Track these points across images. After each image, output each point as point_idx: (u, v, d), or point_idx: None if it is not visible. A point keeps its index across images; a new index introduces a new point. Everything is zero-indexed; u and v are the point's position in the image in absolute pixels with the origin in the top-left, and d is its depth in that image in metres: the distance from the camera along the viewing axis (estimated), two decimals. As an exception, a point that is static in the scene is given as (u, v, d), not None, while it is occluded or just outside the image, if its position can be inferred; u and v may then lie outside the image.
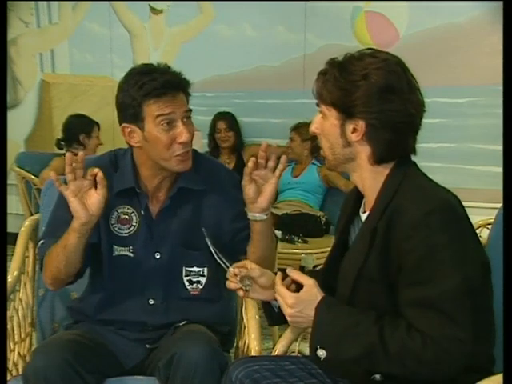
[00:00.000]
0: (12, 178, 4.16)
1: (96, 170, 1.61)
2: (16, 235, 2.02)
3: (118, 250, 1.80)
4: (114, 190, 1.78)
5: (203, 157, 1.93)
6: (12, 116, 4.00)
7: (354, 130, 1.40)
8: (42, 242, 1.81)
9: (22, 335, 1.97)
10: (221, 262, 1.59)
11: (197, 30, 4.81)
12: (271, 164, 1.68)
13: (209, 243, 1.62)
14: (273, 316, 1.61)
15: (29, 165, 4.20)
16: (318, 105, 1.46)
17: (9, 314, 1.88)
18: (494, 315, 1.38)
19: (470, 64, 3.96)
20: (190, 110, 1.75)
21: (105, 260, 1.80)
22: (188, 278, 1.82)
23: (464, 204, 1.39)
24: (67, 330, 1.88)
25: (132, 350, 1.79)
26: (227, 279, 1.57)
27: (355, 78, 1.37)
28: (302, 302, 1.41)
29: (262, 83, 4.62)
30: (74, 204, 1.62)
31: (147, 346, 1.80)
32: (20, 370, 1.87)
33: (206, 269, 1.83)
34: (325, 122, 1.45)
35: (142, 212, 1.80)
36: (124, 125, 1.74)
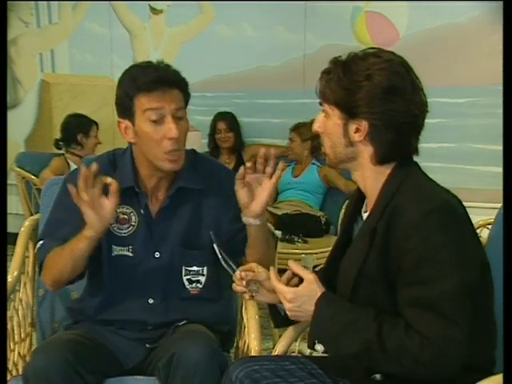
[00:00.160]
0: (12, 178, 4.16)
1: (94, 166, 1.59)
2: (16, 235, 2.02)
3: (118, 250, 1.80)
4: None
5: (203, 157, 1.94)
6: (12, 116, 4.00)
7: (357, 130, 1.41)
8: (41, 242, 1.80)
9: (22, 335, 1.97)
10: (226, 266, 1.59)
11: (197, 29, 4.81)
12: (269, 170, 1.66)
13: (215, 246, 1.62)
14: (278, 319, 1.61)
15: (29, 165, 4.20)
16: (321, 104, 1.46)
17: (9, 314, 1.88)
18: (494, 316, 1.38)
19: (470, 64, 3.96)
20: (183, 108, 1.74)
21: (104, 260, 1.80)
22: (187, 277, 1.82)
23: (464, 204, 1.39)
24: (67, 330, 1.88)
25: (132, 349, 1.79)
26: (233, 282, 1.58)
27: (358, 78, 1.37)
28: (301, 297, 1.41)
29: (262, 83, 4.62)
30: (89, 216, 1.60)
31: (147, 345, 1.80)
32: (20, 370, 1.87)
33: (205, 268, 1.83)
34: (327, 121, 1.45)
35: (142, 211, 1.80)
36: (119, 120, 1.76)
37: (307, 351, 1.75)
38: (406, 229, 1.32)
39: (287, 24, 4.52)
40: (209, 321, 1.81)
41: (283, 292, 1.43)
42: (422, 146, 1.46)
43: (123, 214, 1.80)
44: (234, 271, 1.58)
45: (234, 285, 1.57)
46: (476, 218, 1.41)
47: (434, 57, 3.90)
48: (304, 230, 3.70)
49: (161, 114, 1.69)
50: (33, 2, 5.21)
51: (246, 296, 1.57)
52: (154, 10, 4.96)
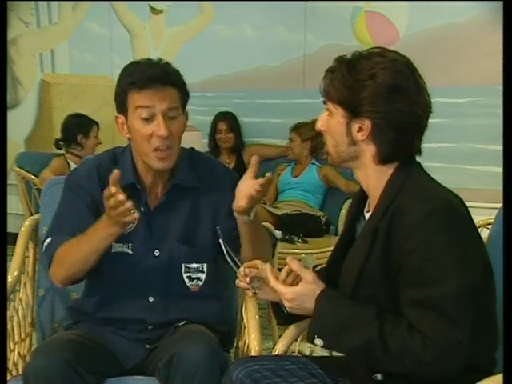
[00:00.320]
0: (12, 178, 4.16)
1: (118, 172, 1.57)
2: (16, 235, 2.02)
3: (117, 247, 1.80)
4: None
5: (201, 155, 1.94)
6: (12, 116, 4.00)
7: (360, 129, 1.41)
8: (48, 240, 1.80)
9: (22, 335, 1.97)
10: (230, 261, 1.58)
11: (197, 30, 4.81)
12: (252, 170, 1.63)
13: (221, 241, 1.61)
14: (281, 316, 1.61)
15: (29, 165, 4.20)
16: (324, 102, 1.46)
17: (9, 314, 1.88)
18: (496, 316, 1.38)
19: (470, 64, 3.96)
20: (177, 108, 1.73)
21: (104, 257, 1.80)
22: (187, 274, 1.82)
23: (464, 204, 1.39)
24: (67, 330, 1.88)
25: (132, 350, 1.79)
26: (237, 278, 1.57)
27: (362, 78, 1.37)
28: (301, 296, 1.41)
29: (262, 83, 4.62)
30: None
31: (147, 346, 1.80)
32: (20, 370, 1.87)
33: (205, 265, 1.83)
34: (331, 120, 1.45)
35: (142, 209, 1.80)
36: (116, 114, 1.77)
37: (307, 351, 1.75)
38: (408, 229, 1.32)
39: (287, 24, 4.52)
40: (209, 320, 1.81)
41: (282, 292, 1.43)
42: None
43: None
44: (238, 267, 1.57)
45: (237, 281, 1.56)
46: (476, 218, 1.41)
47: (433, 57, 3.90)
48: (304, 230, 3.70)
49: (151, 112, 1.70)
50: (33, 2, 5.21)
51: (249, 293, 1.56)
52: (154, 10, 4.96)
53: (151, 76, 1.68)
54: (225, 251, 1.61)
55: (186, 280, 1.82)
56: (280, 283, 1.46)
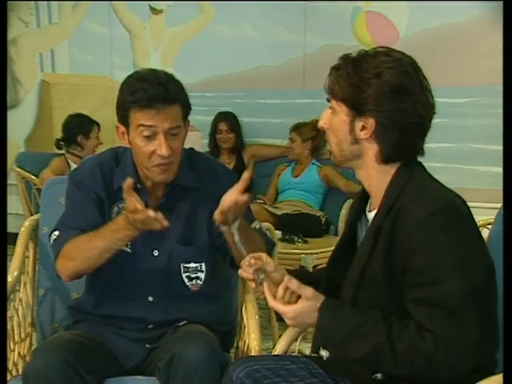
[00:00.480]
0: (12, 178, 4.16)
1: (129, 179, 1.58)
2: (16, 235, 2.02)
3: None
4: (115, 186, 1.80)
5: (202, 156, 1.95)
6: (12, 116, 4.00)
7: (363, 128, 1.40)
8: (56, 233, 1.80)
9: (22, 335, 1.97)
10: (241, 249, 1.55)
11: (197, 30, 4.81)
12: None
13: (235, 229, 1.57)
14: None
15: (29, 165, 4.20)
16: (328, 100, 1.46)
17: (9, 313, 1.88)
18: (497, 317, 1.38)
19: (470, 64, 3.96)
20: (179, 126, 1.73)
21: None
22: (186, 274, 1.82)
23: (465, 204, 1.39)
24: (67, 330, 1.88)
25: (132, 350, 1.79)
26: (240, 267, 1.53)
27: (368, 76, 1.37)
28: (302, 314, 1.39)
29: (262, 83, 4.61)
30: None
31: (147, 345, 1.80)
32: (20, 370, 1.87)
33: (203, 264, 1.83)
34: (334, 118, 1.44)
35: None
36: (117, 124, 1.78)
37: (307, 351, 1.75)
38: (411, 229, 1.32)
39: (287, 24, 4.51)
40: (209, 320, 1.82)
41: (283, 311, 1.41)
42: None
43: (124, 209, 1.81)
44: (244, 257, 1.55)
45: (240, 270, 1.53)
46: (476, 218, 1.41)
47: (433, 57, 3.90)
48: (304, 230, 3.70)
49: (153, 131, 1.70)
50: (33, 2, 5.21)
51: (252, 284, 1.52)
52: (154, 10, 4.96)
53: (153, 96, 1.67)
54: (237, 238, 1.56)
55: (186, 280, 1.82)
56: (279, 302, 1.42)
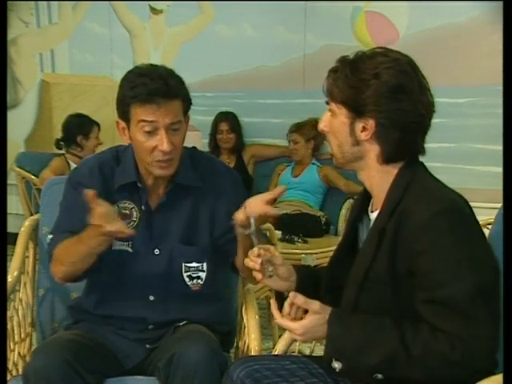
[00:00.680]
0: (12, 178, 4.16)
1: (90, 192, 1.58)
2: (16, 235, 2.02)
3: (117, 245, 1.80)
4: (115, 185, 1.80)
5: (204, 155, 1.94)
6: (12, 116, 4.00)
7: (364, 129, 1.40)
8: (50, 237, 1.82)
9: (22, 335, 1.97)
10: (254, 239, 1.54)
11: (197, 30, 4.81)
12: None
13: (251, 218, 1.55)
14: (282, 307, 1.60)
15: (29, 165, 4.20)
16: (327, 103, 1.46)
17: (9, 314, 1.88)
18: (501, 318, 1.38)
19: (470, 64, 3.96)
20: (180, 121, 1.72)
21: (103, 254, 1.80)
22: (188, 273, 1.82)
23: (465, 204, 1.39)
24: (67, 330, 1.88)
25: (132, 350, 1.79)
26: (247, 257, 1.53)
27: (366, 77, 1.37)
28: (311, 328, 1.37)
29: (262, 83, 4.61)
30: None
31: (147, 346, 1.80)
32: (20, 370, 1.87)
33: (205, 264, 1.83)
34: (334, 120, 1.44)
35: (143, 207, 1.81)
36: (118, 120, 1.77)
37: (307, 351, 1.75)
38: (415, 230, 1.32)
39: (287, 24, 4.51)
40: (209, 320, 1.82)
41: (292, 328, 1.39)
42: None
43: (125, 209, 1.81)
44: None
45: (246, 260, 1.52)
46: (476, 218, 1.42)
47: (433, 57, 3.90)
48: (304, 230, 3.70)
49: (154, 126, 1.69)
50: (33, 2, 5.21)
51: (259, 276, 1.51)
52: (154, 10, 4.96)
53: (153, 90, 1.66)
54: (253, 227, 1.54)
55: (187, 279, 1.82)
56: (287, 319, 1.41)
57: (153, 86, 1.66)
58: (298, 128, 4.10)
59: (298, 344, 1.72)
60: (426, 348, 1.28)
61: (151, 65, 1.77)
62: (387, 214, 1.38)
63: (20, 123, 5.02)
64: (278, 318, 1.41)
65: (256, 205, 1.57)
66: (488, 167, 3.86)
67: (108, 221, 1.57)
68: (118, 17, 5.04)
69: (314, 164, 4.12)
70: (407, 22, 4.12)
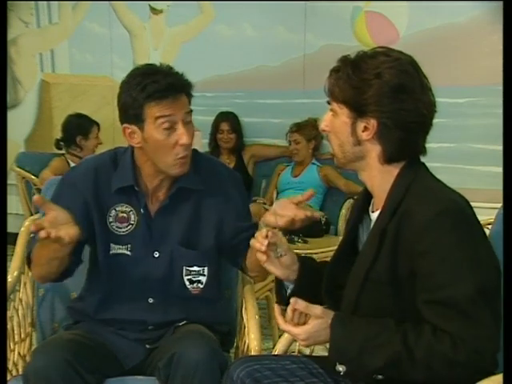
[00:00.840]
0: (12, 178, 4.16)
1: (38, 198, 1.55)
2: (16, 235, 2.02)
3: (116, 249, 1.80)
4: (113, 188, 1.79)
5: (204, 157, 1.94)
6: (12, 116, 4.00)
7: (365, 129, 1.40)
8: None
9: (22, 335, 1.97)
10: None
11: (197, 30, 4.81)
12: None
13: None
14: (283, 295, 1.60)
15: (29, 165, 4.20)
16: (328, 102, 1.45)
17: (9, 313, 1.88)
18: (502, 318, 1.38)
19: (470, 64, 3.96)
20: (191, 111, 1.74)
21: (101, 258, 1.80)
22: (188, 277, 1.82)
23: (465, 204, 1.39)
24: (67, 330, 1.88)
25: (132, 350, 1.79)
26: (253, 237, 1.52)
27: (368, 77, 1.37)
28: (313, 334, 1.38)
29: (262, 83, 4.62)
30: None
31: (147, 346, 1.80)
32: (20, 370, 1.87)
33: (206, 268, 1.82)
34: (335, 120, 1.44)
35: (142, 211, 1.80)
36: (125, 125, 1.74)
37: (307, 351, 1.75)
38: (417, 230, 1.32)
39: (287, 24, 4.52)
40: (209, 321, 1.82)
41: (295, 334, 1.40)
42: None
43: (122, 212, 1.80)
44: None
45: (253, 240, 1.51)
46: (476, 218, 1.42)
47: (433, 57, 3.90)
48: (304, 230, 3.68)
49: (172, 120, 1.69)
50: (33, 2, 5.21)
51: (264, 257, 1.50)
52: (154, 10, 4.96)
53: (168, 86, 1.67)
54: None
55: (187, 282, 1.82)
56: (290, 324, 1.41)
57: (166, 81, 1.68)
58: (298, 128, 4.10)
59: (297, 344, 1.72)
60: (428, 349, 1.28)
61: (149, 64, 1.77)
62: (388, 214, 1.38)
63: (20, 123, 5.03)
64: (282, 324, 1.42)
65: (288, 208, 1.54)
66: (488, 167, 3.86)
67: (54, 226, 1.49)
68: (118, 17, 5.04)
69: (313, 164, 4.12)
70: (407, 22, 4.13)
